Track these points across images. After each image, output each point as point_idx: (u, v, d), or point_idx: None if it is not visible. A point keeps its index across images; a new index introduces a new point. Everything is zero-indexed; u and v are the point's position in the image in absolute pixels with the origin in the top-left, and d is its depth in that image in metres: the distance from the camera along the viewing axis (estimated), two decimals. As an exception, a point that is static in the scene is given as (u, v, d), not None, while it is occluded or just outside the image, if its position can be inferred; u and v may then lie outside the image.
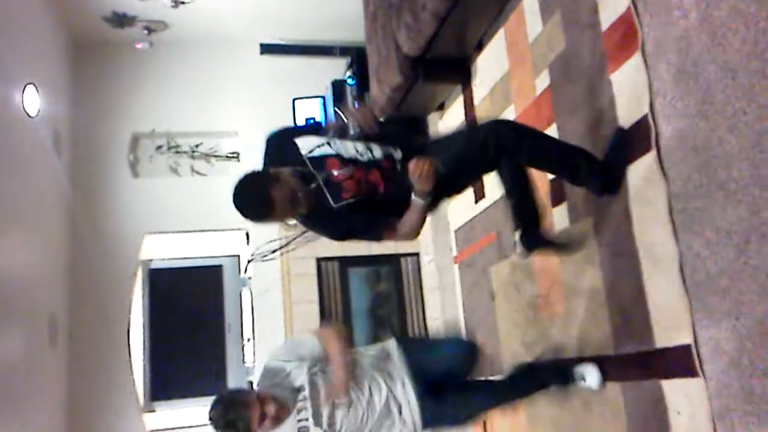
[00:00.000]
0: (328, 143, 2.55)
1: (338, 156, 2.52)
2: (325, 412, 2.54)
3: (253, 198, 2.40)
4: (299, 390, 2.56)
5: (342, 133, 2.57)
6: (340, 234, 2.70)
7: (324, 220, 2.60)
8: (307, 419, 2.52)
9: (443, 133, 2.92)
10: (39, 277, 4.68)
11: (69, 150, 5.35)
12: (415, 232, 2.60)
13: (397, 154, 2.63)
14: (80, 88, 5.56)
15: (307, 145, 2.54)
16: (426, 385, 2.70)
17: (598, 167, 2.73)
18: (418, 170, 2.40)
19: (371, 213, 2.59)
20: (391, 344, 2.81)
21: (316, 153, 2.53)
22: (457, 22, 3.97)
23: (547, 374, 3.07)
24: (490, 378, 3.32)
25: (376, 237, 2.66)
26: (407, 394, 2.66)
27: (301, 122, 5.55)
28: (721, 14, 2.20)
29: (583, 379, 2.95)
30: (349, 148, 2.56)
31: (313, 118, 2.42)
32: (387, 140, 2.65)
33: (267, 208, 2.38)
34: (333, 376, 2.56)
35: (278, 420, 2.48)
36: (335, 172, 2.50)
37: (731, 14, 2.16)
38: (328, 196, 2.51)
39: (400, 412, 2.66)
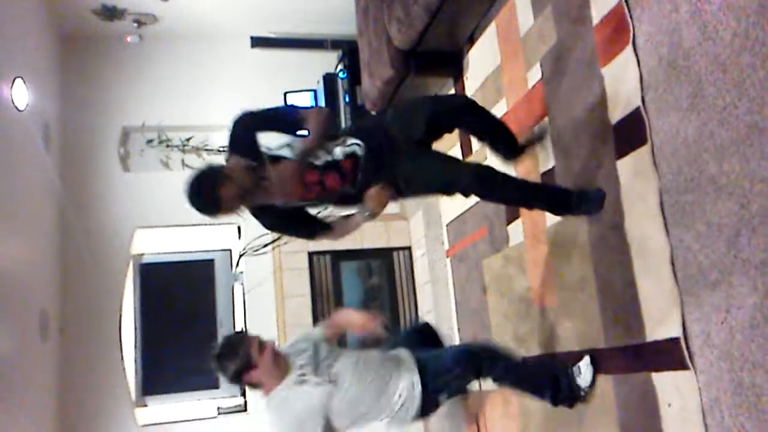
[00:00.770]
0: (289, 145, 2.69)
1: (296, 161, 2.66)
2: (325, 363, 2.70)
3: (205, 198, 2.55)
4: (303, 350, 2.74)
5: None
6: (277, 228, 2.95)
7: (266, 213, 2.78)
8: (305, 373, 2.65)
9: (406, 110, 3.02)
10: (29, 272, 4.66)
11: (58, 144, 5.32)
12: (345, 236, 2.91)
13: (361, 151, 2.77)
14: (70, 81, 5.52)
15: (268, 143, 2.69)
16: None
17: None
18: (375, 199, 2.69)
19: (309, 217, 2.86)
20: (404, 352, 2.93)
21: (275, 152, 2.68)
22: (448, 15, 3.96)
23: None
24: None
25: (310, 237, 2.96)
26: (414, 390, 2.77)
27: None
28: (712, 8, 2.20)
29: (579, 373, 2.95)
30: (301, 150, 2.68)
31: (292, 105, 2.51)
32: (353, 136, 2.81)
33: (217, 206, 2.55)
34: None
35: (276, 361, 2.64)
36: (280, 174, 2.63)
37: (722, 8, 2.16)
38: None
39: (402, 405, 2.77)
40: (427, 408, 2.85)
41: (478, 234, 4.23)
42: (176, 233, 6.12)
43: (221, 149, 5.82)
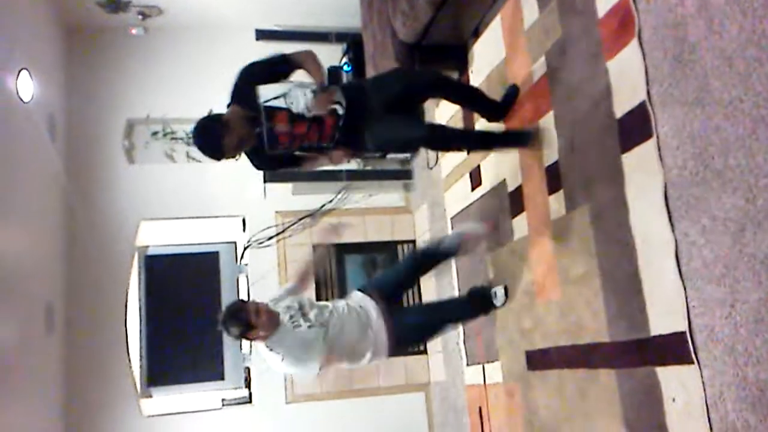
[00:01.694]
0: (284, 96, 3.11)
1: (287, 110, 3.10)
2: (312, 312, 3.27)
3: (209, 145, 3.05)
4: (290, 306, 3.27)
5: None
6: (263, 168, 3.60)
7: (257, 155, 3.28)
8: (297, 321, 3.20)
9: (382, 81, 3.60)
10: (35, 264, 4.68)
11: (63, 136, 5.33)
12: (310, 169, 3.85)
13: (341, 110, 3.21)
14: (74, 73, 5.53)
15: (266, 94, 3.11)
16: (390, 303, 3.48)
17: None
18: (337, 157, 3.34)
19: (288, 159, 3.39)
20: (357, 294, 3.53)
21: (271, 104, 3.10)
22: (453, 8, 3.95)
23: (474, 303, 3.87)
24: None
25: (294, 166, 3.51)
26: (378, 322, 3.37)
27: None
28: (718, 1, 2.19)
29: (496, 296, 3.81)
30: (300, 104, 3.11)
31: (283, 54, 3.16)
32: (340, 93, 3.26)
33: (219, 152, 3.05)
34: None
35: (271, 319, 3.13)
36: (278, 125, 3.11)
37: (728, 1, 2.15)
38: (266, 142, 3.15)
39: (375, 337, 3.34)
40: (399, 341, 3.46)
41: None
42: (181, 225, 6.13)
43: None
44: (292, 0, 5.76)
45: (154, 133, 5.70)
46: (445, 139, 3.63)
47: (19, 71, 4.40)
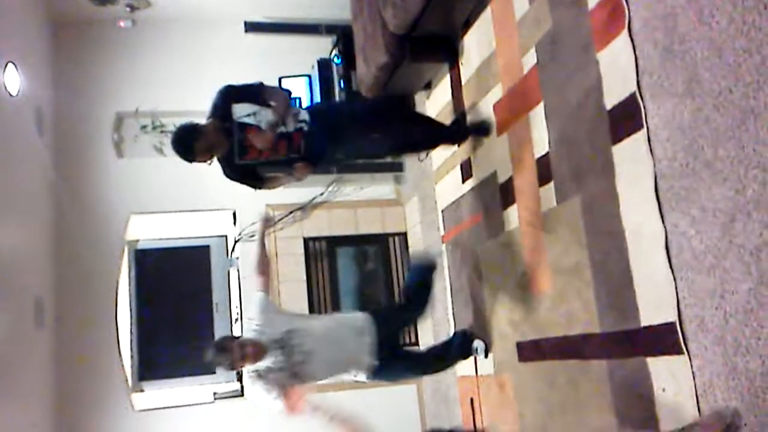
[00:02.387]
0: (254, 114, 3.49)
1: (257, 127, 3.46)
2: (295, 346, 3.26)
3: (182, 146, 3.42)
4: (275, 341, 3.26)
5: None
6: (232, 178, 3.66)
7: (228, 165, 3.58)
8: (275, 364, 3.22)
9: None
10: (24, 259, 4.65)
11: (52, 130, 5.29)
12: (274, 189, 3.93)
13: (307, 127, 3.61)
14: (62, 66, 5.48)
15: (239, 111, 3.49)
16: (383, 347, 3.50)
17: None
18: (300, 170, 3.60)
19: (254, 173, 3.68)
20: (362, 317, 3.57)
21: (243, 120, 3.48)
22: (444, 1, 3.93)
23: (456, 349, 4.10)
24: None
25: (253, 187, 3.79)
26: (368, 348, 3.45)
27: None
28: (708, -8, 2.19)
29: (477, 351, 4.06)
30: (267, 123, 3.47)
31: (261, 82, 3.67)
32: (307, 114, 3.68)
33: (191, 155, 3.42)
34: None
35: (256, 355, 3.16)
36: (249, 137, 3.46)
37: (718, -8, 2.15)
38: (236, 153, 3.51)
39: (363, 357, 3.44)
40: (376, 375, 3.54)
41: (474, 219, 4.23)
42: (171, 219, 6.11)
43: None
44: (281, -8, 5.73)
45: (144, 127, 5.66)
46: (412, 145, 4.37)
47: (6, 64, 4.36)
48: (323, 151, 3.70)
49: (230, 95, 3.56)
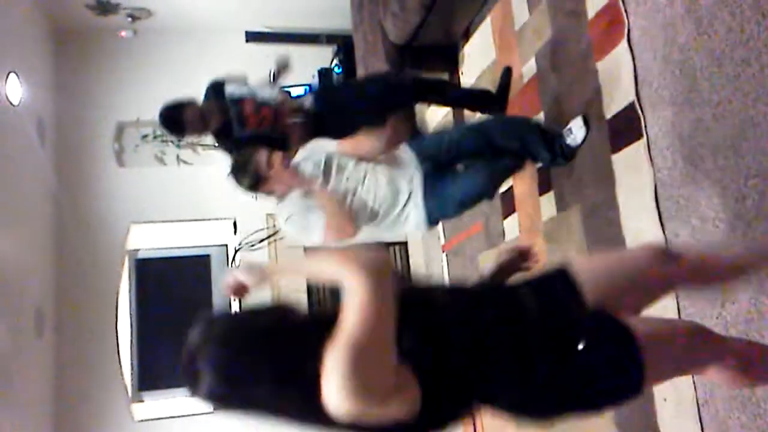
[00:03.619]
0: (246, 87, 3.38)
1: (253, 99, 3.33)
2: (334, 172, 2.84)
3: (170, 118, 3.25)
4: (315, 161, 2.88)
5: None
6: (232, 154, 3.26)
7: (226, 140, 3.38)
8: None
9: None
10: (24, 268, 4.65)
11: (53, 139, 5.30)
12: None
13: (308, 104, 3.42)
14: (64, 76, 5.50)
15: (231, 90, 3.37)
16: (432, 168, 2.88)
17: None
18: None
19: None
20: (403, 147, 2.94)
21: (237, 94, 3.35)
22: (443, 10, 3.95)
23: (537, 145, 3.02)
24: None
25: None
26: (414, 188, 2.83)
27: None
28: (707, 3, 2.20)
29: (570, 132, 2.97)
30: (265, 92, 3.37)
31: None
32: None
33: (181, 125, 3.24)
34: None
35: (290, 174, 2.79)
36: (246, 107, 3.31)
37: (717, 3, 2.16)
38: (235, 124, 3.30)
39: (406, 204, 2.83)
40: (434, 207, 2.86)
41: (474, 228, 4.23)
42: (172, 228, 6.10)
43: (216, 145, 5.81)
44: (282, 1, 5.75)
45: (144, 136, 5.68)
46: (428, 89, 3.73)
47: (8, 74, 4.38)
48: (334, 114, 3.38)
49: (218, 83, 3.48)
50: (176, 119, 3.23)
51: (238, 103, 3.33)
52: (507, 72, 3.63)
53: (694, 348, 1.52)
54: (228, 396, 1.25)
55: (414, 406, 1.20)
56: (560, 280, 1.51)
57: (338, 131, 3.04)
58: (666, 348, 1.47)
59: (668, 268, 1.57)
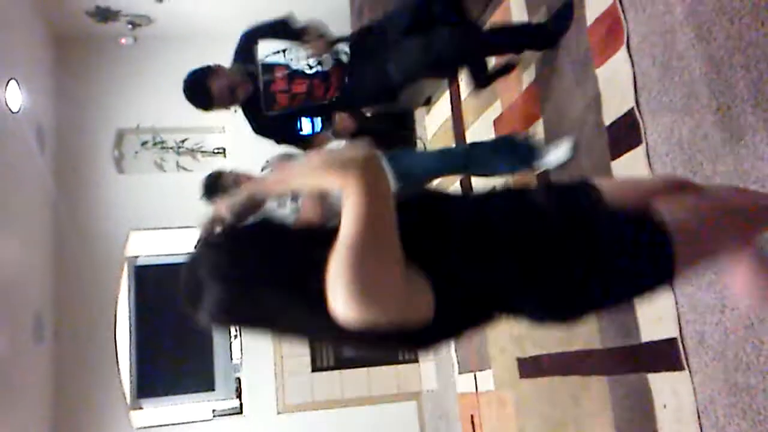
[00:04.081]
0: (284, 51, 2.99)
1: (286, 66, 2.97)
2: None
3: (196, 90, 2.94)
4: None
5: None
6: (262, 133, 3.13)
7: (254, 118, 3.07)
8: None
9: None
10: (23, 274, 4.64)
11: (53, 146, 5.30)
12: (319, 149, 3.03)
13: (346, 58, 3.03)
14: (64, 83, 5.50)
15: (265, 49, 3.00)
16: None
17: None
18: (340, 122, 3.04)
19: (292, 130, 3.12)
20: None
21: (269, 60, 2.99)
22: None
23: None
24: None
25: (300, 147, 3.17)
26: None
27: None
28: (705, 9, 2.21)
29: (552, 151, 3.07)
30: (301, 60, 2.98)
31: (289, 15, 3.16)
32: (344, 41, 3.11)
33: (207, 97, 2.92)
34: None
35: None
36: (277, 80, 2.96)
37: (716, 9, 2.17)
38: (262, 101, 2.99)
39: None
40: None
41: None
42: (171, 235, 6.10)
43: (216, 151, 5.81)
44: (282, 9, 5.75)
45: (144, 143, 5.68)
46: (471, 47, 3.13)
47: (8, 81, 4.38)
48: (370, 86, 3.07)
49: (253, 34, 3.11)
50: (203, 91, 2.95)
51: (271, 71, 3.01)
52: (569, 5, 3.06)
53: (721, 225, 1.44)
54: (232, 302, 1.19)
55: (428, 312, 1.15)
56: (576, 185, 1.46)
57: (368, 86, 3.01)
58: (694, 225, 1.39)
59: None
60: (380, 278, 1.08)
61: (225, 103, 2.99)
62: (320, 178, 1.15)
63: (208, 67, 2.98)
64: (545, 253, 1.28)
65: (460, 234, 1.26)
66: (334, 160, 1.12)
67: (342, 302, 1.06)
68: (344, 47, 3.07)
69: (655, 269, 1.34)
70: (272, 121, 3.04)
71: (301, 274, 1.14)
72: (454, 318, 1.22)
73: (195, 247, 1.29)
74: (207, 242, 1.28)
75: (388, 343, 1.17)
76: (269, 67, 2.99)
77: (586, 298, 1.34)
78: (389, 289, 1.09)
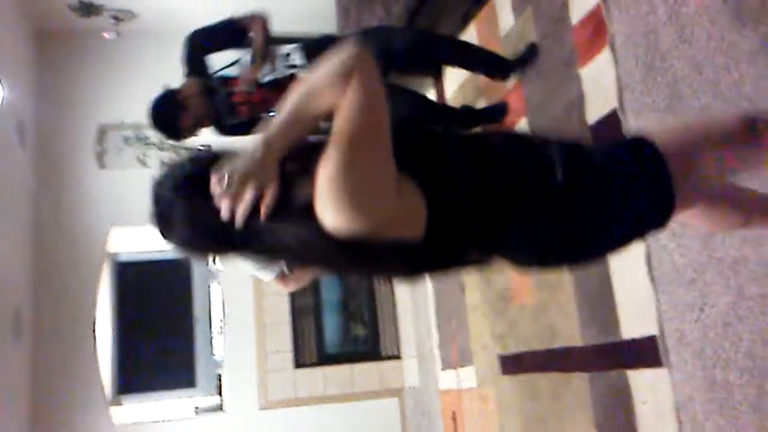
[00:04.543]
0: (237, 62, 3.03)
1: (242, 79, 2.98)
2: None
3: (166, 128, 3.01)
4: None
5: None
6: (231, 134, 3.12)
7: (221, 131, 3.13)
8: None
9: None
10: (2, 271, 4.59)
11: (34, 141, 5.25)
12: None
13: (300, 62, 3.03)
14: (45, 78, 5.45)
15: (218, 62, 3.05)
16: None
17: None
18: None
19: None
20: None
21: (224, 73, 3.03)
22: (429, 15, 3.97)
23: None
24: None
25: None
26: None
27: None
28: (688, 10, 2.24)
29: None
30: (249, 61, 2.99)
31: (230, 18, 3.10)
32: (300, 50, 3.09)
33: (177, 134, 3.00)
34: None
35: None
36: (236, 93, 2.98)
37: (698, 11, 2.20)
38: (224, 114, 3.03)
39: None
40: None
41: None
42: (153, 231, 6.05)
43: (201, 148, 5.78)
44: (267, 6, 5.74)
45: (127, 139, 5.64)
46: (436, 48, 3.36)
47: (-11, 74, 4.33)
48: None
49: (199, 46, 3.11)
50: (171, 126, 2.99)
51: (228, 84, 3.03)
52: (532, 48, 3.25)
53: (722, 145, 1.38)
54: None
55: (418, 225, 1.12)
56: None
57: None
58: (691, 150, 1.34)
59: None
60: (371, 176, 1.05)
61: (191, 135, 3.06)
62: (319, 92, 1.08)
63: (175, 101, 2.98)
64: (544, 188, 1.24)
65: (460, 159, 1.22)
66: (330, 65, 1.07)
67: (334, 204, 1.04)
68: (298, 53, 3.08)
69: (655, 191, 1.29)
70: (237, 126, 3.07)
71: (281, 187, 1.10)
72: (444, 245, 1.19)
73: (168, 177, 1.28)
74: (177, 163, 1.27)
75: (378, 261, 1.13)
76: (225, 81, 3.04)
77: (585, 238, 1.31)
78: (382, 190, 1.07)
